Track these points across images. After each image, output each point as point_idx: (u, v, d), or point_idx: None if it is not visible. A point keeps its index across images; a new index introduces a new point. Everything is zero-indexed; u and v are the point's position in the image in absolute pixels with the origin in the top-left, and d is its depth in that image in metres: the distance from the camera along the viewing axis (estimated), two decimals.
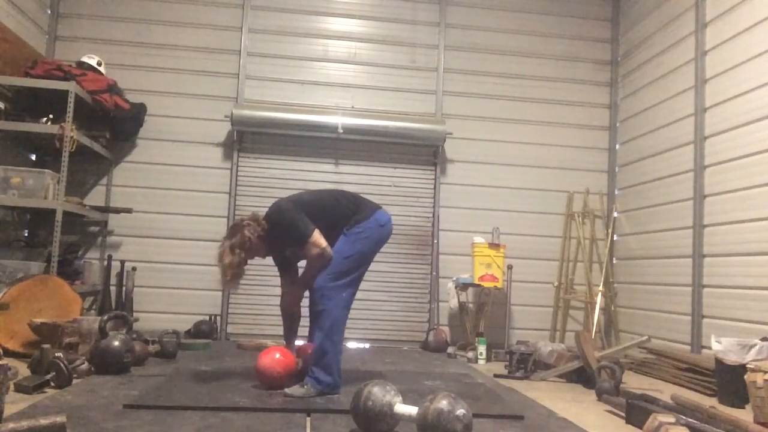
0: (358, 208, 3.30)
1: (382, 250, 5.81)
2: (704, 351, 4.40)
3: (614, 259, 5.94)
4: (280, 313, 3.56)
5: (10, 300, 3.93)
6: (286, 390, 3.02)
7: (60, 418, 2.18)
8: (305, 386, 3.04)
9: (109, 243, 5.56)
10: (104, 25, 5.72)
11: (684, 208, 4.83)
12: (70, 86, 4.71)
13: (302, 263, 3.41)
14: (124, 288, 5.29)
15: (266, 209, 3.33)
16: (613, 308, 5.83)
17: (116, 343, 3.53)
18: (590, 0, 6.27)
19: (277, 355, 3.21)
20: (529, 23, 6.18)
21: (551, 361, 4.33)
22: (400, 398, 2.43)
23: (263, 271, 5.31)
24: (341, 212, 3.26)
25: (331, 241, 3.18)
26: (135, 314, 5.06)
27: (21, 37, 4.97)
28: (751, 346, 3.47)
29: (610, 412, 3.13)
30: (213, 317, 5.43)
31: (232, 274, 3.13)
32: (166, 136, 5.68)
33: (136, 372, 3.59)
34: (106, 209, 5.47)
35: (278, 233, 3.20)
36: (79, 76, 4.98)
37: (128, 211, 5.44)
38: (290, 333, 3.52)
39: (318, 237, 3.11)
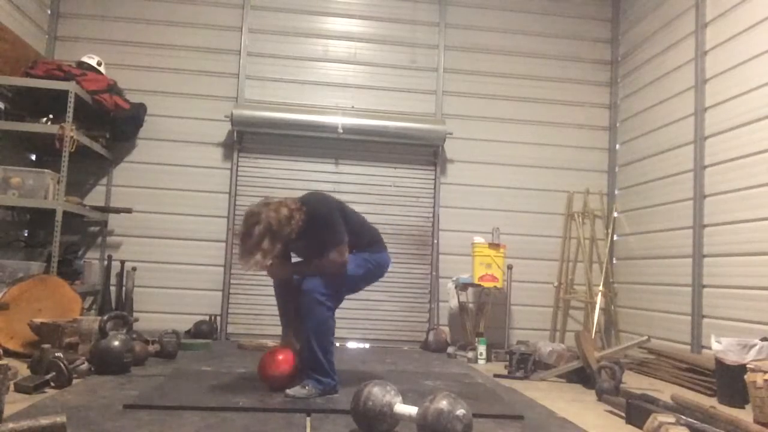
0: (375, 238, 3.42)
1: None
2: (704, 351, 4.40)
3: (614, 259, 5.94)
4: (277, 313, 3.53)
5: (10, 300, 3.92)
6: (288, 391, 3.02)
7: (60, 418, 2.18)
8: (306, 387, 3.04)
9: (109, 243, 5.56)
10: (104, 25, 5.72)
11: (684, 208, 4.83)
12: (70, 86, 4.71)
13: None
14: (124, 288, 5.29)
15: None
16: (613, 308, 5.83)
17: (116, 343, 3.53)
18: (590, 0, 6.27)
19: (280, 356, 3.22)
20: (529, 23, 6.18)
21: (551, 361, 4.33)
22: (400, 398, 2.43)
23: (263, 272, 5.31)
24: (364, 237, 3.34)
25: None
26: (135, 314, 5.06)
27: (21, 37, 4.97)
28: (751, 346, 3.47)
29: (610, 412, 3.13)
30: (213, 317, 5.43)
31: (263, 263, 2.96)
32: (166, 136, 5.68)
33: (136, 372, 3.59)
34: (106, 209, 5.47)
35: (309, 224, 3.06)
36: (79, 76, 4.98)
37: (128, 211, 5.44)
38: (287, 325, 3.46)
39: (346, 249, 3.13)
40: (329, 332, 3.13)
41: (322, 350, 3.08)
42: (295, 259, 3.46)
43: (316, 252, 3.18)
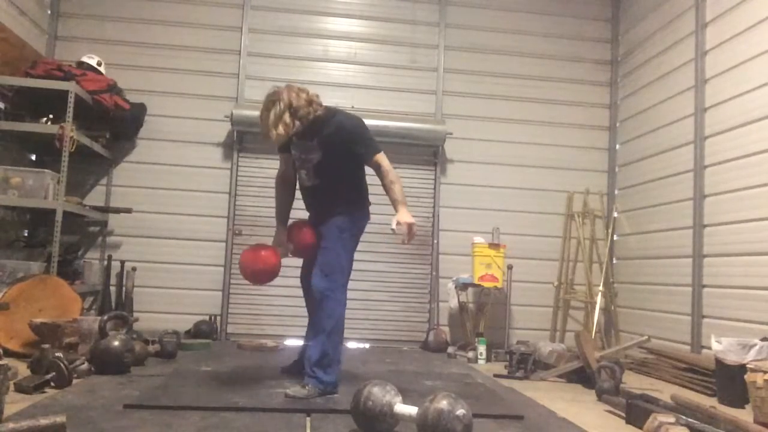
0: (365, 193, 3.40)
1: (382, 250, 5.91)
2: (704, 351, 4.39)
3: (614, 259, 5.93)
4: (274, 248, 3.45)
5: (10, 300, 3.92)
6: (288, 391, 3.02)
7: (60, 418, 2.18)
8: (307, 387, 3.03)
9: (109, 243, 5.56)
10: (104, 25, 5.71)
11: (684, 208, 4.83)
12: (70, 86, 4.71)
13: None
14: (124, 288, 5.29)
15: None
16: (613, 308, 5.83)
17: (116, 343, 3.53)
18: (590, 0, 6.27)
19: (263, 252, 3.22)
20: (529, 23, 6.18)
21: (551, 361, 4.33)
22: (400, 398, 2.43)
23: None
24: (365, 191, 3.35)
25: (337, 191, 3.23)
26: (135, 314, 5.05)
27: (21, 37, 4.97)
28: (751, 346, 3.47)
29: (610, 412, 3.13)
30: (213, 317, 5.43)
31: (285, 136, 3.07)
32: (166, 136, 5.68)
33: (136, 372, 3.59)
34: (106, 209, 5.47)
35: (336, 135, 3.14)
36: (79, 76, 4.98)
37: (128, 211, 5.44)
38: (283, 213, 3.50)
39: (385, 157, 3.17)
40: (343, 329, 3.17)
41: (333, 348, 3.10)
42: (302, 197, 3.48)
43: (333, 168, 3.20)
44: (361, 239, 3.40)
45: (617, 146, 6.10)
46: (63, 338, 3.74)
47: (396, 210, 3.12)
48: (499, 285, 5.34)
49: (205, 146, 5.73)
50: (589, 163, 6.13)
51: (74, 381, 3.18)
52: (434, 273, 5.81)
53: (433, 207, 5.89)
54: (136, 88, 5.62)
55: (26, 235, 5.25)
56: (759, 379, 3.01)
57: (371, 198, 3.47)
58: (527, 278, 5.79)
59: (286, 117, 3.01)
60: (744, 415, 3.00)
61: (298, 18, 5.95)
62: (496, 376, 4.12)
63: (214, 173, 5.71)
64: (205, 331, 5.17)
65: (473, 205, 5.93)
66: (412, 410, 2.32)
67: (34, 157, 5.41)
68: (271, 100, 3.06)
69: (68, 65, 5.11)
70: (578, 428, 2.74)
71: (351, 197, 3.29)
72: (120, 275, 5.32)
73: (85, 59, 5.26)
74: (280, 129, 3.01)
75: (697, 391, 3.85)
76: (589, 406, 3.29)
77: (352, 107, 5.81)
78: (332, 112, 3.23)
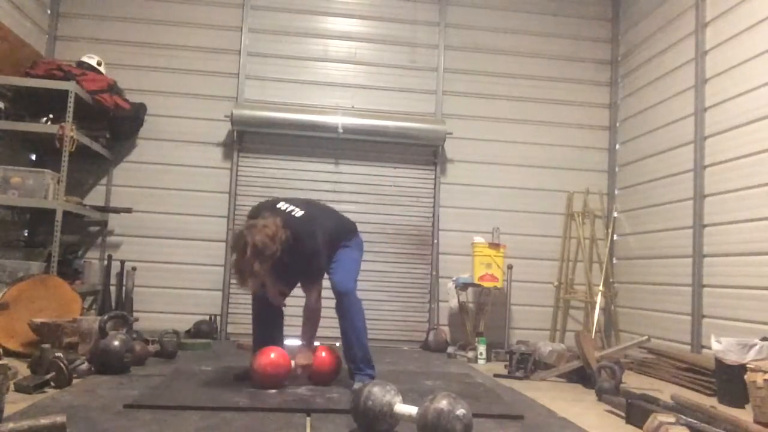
0: (353, 227, 3.65)
1: (382, 250, 5.92)
2: (704, 351, 4.40)
3: (614, 259, 5.93)
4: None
5: (10, 300, 3.93)
6: (355, 386, 3.04)
7: (60, 418, 2.18)
8: (363, 383, 3.01)
9: (109, 243, 5.56)
10: (104, 25, 5.72)
11: (684, 208, 4.83)
12: (70, 86, 4.71)
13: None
14: (124, 288, 5.29)
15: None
16: (613, 308, 5.83)
17: (116, 343, 3.53)
18: (590, 0, 6.27)
19: (272, 355, 3.23)
20: (529, 23, 6.18)
21: (551, 361, 4.33)
22: (400, 398, 2.43)
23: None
24: (345, 230, 3.56)
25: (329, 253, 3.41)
26: (135, 314, 5.05)
27: (21, 37, 4.97)
28: (751, 346, 3.46)
29: (610, 412, 3.13)
30: (213, 317, 5.43)
31: (256, 282, 3.07)
32: (166, 136, 5.68)
33: (136, 372, 3.59)
34: (106, 209, 5.47)
35: (296, 248, 3.13)
36: (79, 76, 4.98)
37: (128, 211, 5.44)
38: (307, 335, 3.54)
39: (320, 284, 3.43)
40: (365, 324, 3.39)
41: (367, 344, 3.32)
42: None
43: (300, 272, 3.35)
44: (362, 239, 3.67)
45: (617, 146, 6.10)
46: (63, 338, 3.74)
47: (303, 350, 3.34)
48: (499, 285, 5.34)
49: (205, 146, 5.73)
50: (589, 163, 6.13)
51: (74, 381, 3.18)
52: (434, 273, 5.81)
53: (433, 207, 5.89)
54: (136, 88, 5.63)
55: (26, 235, 5.25)
56: (759, 379, 3.02)
57: (357, 207, 3.63)
58: (527, 278, 5.79)
59: (256, 265, 2.94)
60: (744, 415, 3.00)
61: (298, 18, 5.95)
62: (496, 376, 4.12)
63: (214, 173, 5.71)
64: (205, 330, 5.17)
65: (473, 205, 5.94)
66: (412, 410, 2.32)
67: (34, 157, 5.41)
68: (240, 246, 2.96)
69: (68, 65, 5.11)
70: (578, 428, 2.74)
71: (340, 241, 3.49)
72: (120, 275, 5.33)
73: (85, 59, 5.26)
74: (251, 280, 3.00)
75: (697, 391, 3.85)
76: (589, 406, 3.29)
77: (352, 107, 5.83)
78: (293, 232, 3.10)
